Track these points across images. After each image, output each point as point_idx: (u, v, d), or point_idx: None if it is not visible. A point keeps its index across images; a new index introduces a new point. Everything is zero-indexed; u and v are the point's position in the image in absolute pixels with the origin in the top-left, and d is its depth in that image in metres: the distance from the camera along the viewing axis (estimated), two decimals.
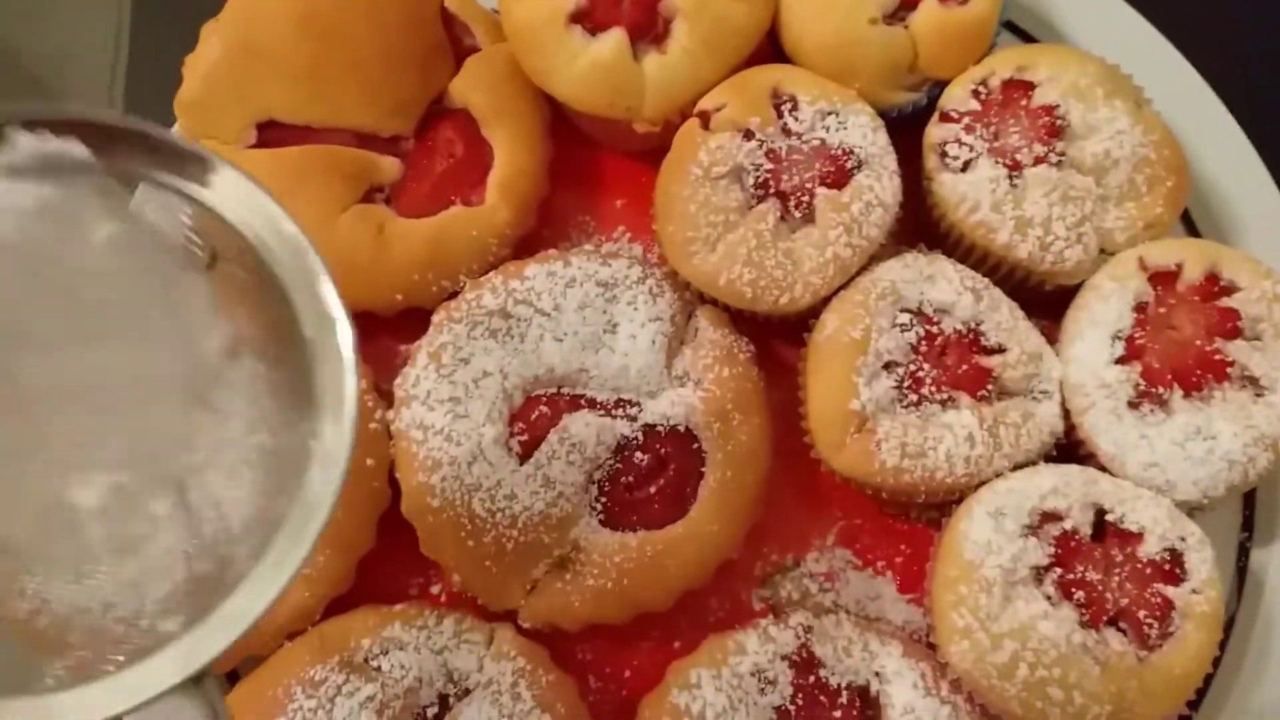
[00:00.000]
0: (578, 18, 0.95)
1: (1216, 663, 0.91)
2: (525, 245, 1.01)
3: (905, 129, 0.96)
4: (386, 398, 0.95)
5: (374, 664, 0.86)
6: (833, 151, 0.92)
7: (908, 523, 0.96)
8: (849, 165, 0.92)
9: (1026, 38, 1.04)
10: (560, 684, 0.87)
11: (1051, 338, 0.91)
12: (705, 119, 0.93)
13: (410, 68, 0.99)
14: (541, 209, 1.03)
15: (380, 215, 0.97)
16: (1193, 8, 1.06)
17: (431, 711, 0.85)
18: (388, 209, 0.98)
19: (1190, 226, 0.99)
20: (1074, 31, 1.05)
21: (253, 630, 0.58)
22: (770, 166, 0.92)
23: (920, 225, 0.97)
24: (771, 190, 0.92)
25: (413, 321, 0.98)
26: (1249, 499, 0.96)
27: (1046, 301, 0.93)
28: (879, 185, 0.91)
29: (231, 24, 0.98)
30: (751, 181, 0.92)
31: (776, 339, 0.99)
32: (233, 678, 0.90)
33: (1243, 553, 0.95)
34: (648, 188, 0.98)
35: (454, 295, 0.97)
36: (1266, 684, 0.90)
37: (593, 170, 1.08)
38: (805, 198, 0.91)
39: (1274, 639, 0.91)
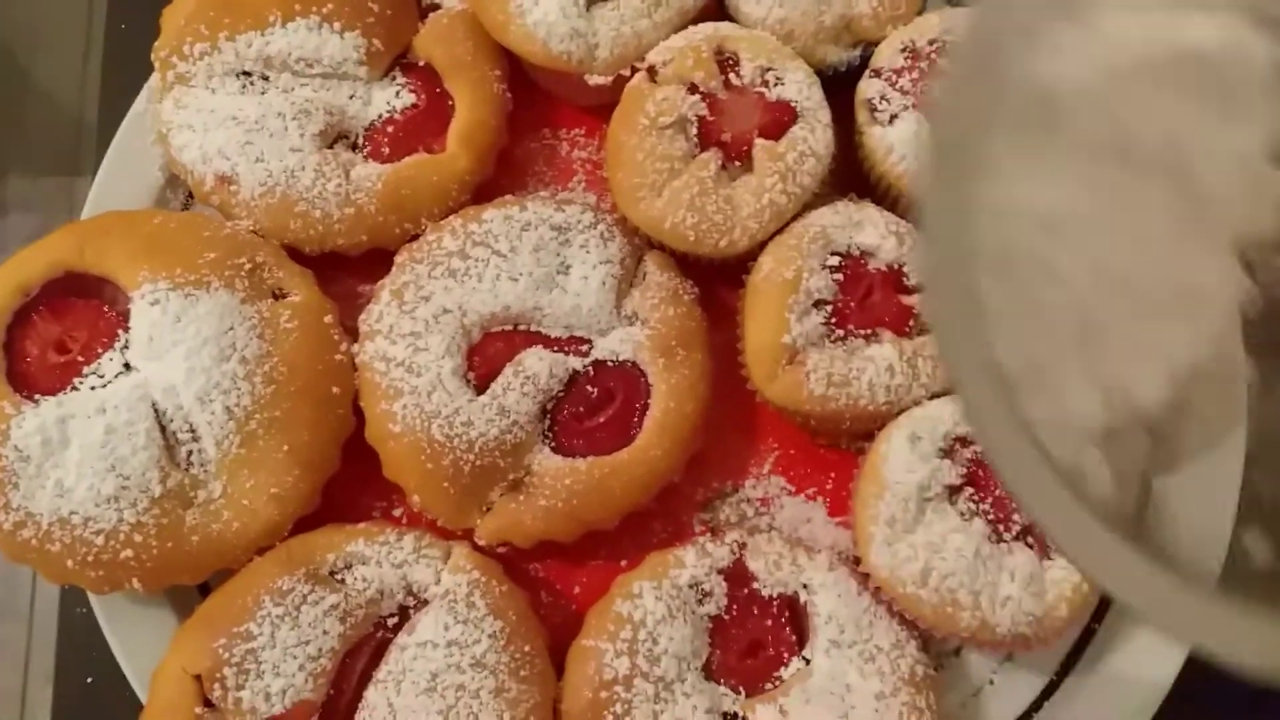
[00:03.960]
0: None
1: None
2: (484, 192, 1.07)
3: (840, 88, 1.03)
4: (352, 333, 1.01)
5: (338, 576, 0.92)
6: (771, 104, 0.98)
7: (837, 452, 1.04)
8: (786, 118, 0.98)
9: (954, 2, 1.12)
10: (512, 594, 0.94)
11: None
12: (653, 73, 1.00)
13: (378, 23, 1.05)
14: (500, 159, 1.09)
15: (347, 159, 1.03)
16: None
17: (392, 621, 0.92)
18: (355, 154, 1.04)
19: None
20: None
21: None
22: (713, 118, 0.99)
23: (853, 177, 1.04)
24: (713, 140, 0.98)
25: (377, 263, 1.04)
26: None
27: None
28: (813, 137, 0.98)
29: None
30: (695, 132, 0.98)
31: (719, 283, 1.06)
32: (204, 590, 0.96)
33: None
34: (601, 139, 1.04)
35: (416, 237, 1.03)
36: None
37: (550, 122, 1.14)
38: (744, 148, 0.98)
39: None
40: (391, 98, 1.06)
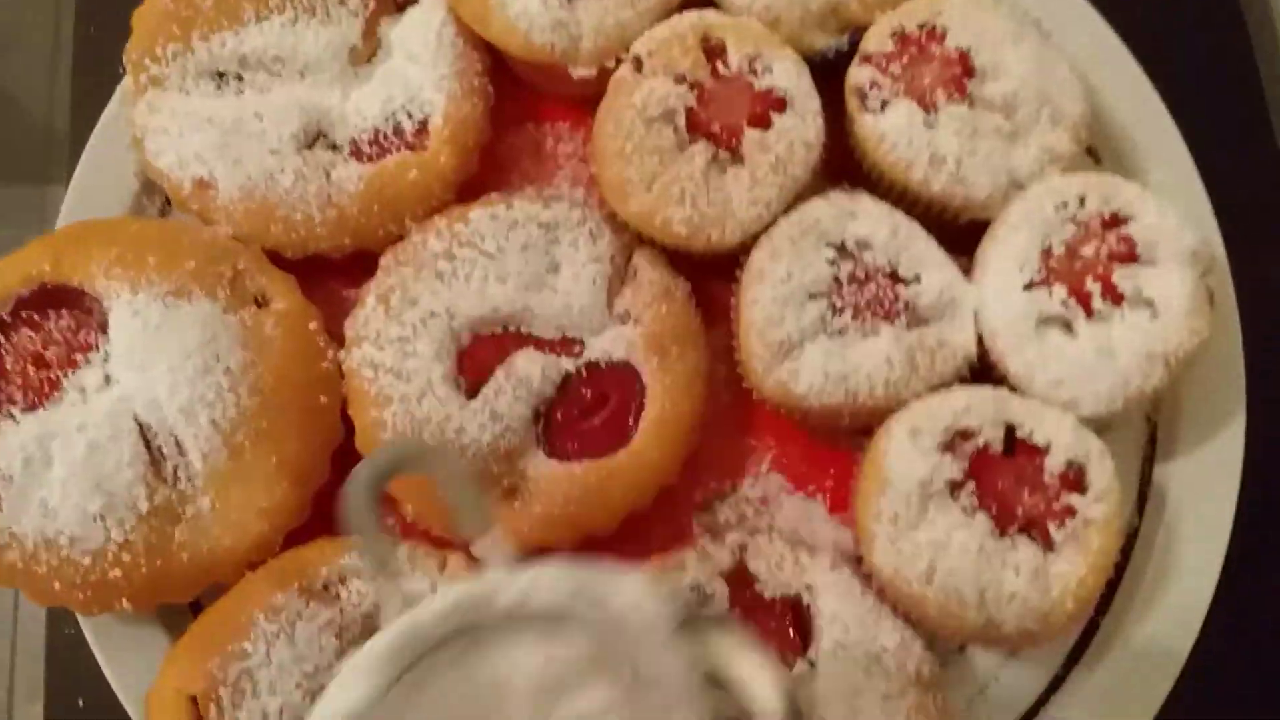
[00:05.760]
0: None
1: (1122, 571, 0.98)
2: (469, 191, 1.04)
3: (830, 75, 1.00)
4: (338, 339, 0.99)
5: (332, 591, 0.91)
6: (759, 94, 0.96)
7: (836, 448, 1.02)
8: (775, 107, 0.96)
9: None
10: None
11: (970, 274, 0.97)
12: (638, 64, 0.98)
13: (354, 18, 1.02)
14: (484, 155, 1.07)
15: (327, 159, 1.00)
16: None
17: None
18: (335, 154, 1.02)
19: (1092, 155, 1.05)
20: None
21: None
22: (700, 109, 0.96)
23: (845, 167, 1.02)
24: (702, 132, 0.96)
25: (362, 266, 1.01)
26: (1151, 422, 1.03)
27: (965, 238, 0.99)
28: (803, 126, 0.96)
29: None
30: (683, 123, 0.96)
31: (711, 279, 1.04)
32: (196, 608, 0.94)
33: (1146, 473, 1.02)
34: (587, 131, 1.02)
35: (401, 239, 1.01)
36: (1168, 589, 0.97)
37: (534, 115, 1.11)
38: (734, 138, 0.96)
39: (1174, 549, 0.98)
40: (369, 95, 1.04)
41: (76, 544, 0.88)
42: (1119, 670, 0.94)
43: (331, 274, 1.04)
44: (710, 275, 1.03)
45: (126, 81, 1.03)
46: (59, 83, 1.24)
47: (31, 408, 0.91)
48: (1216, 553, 0.96)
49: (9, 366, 0.93)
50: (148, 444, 0.91)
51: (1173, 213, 0.92)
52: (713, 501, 1.02)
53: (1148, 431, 1.02)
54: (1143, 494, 1.00)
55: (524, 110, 1.11)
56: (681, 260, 1.02)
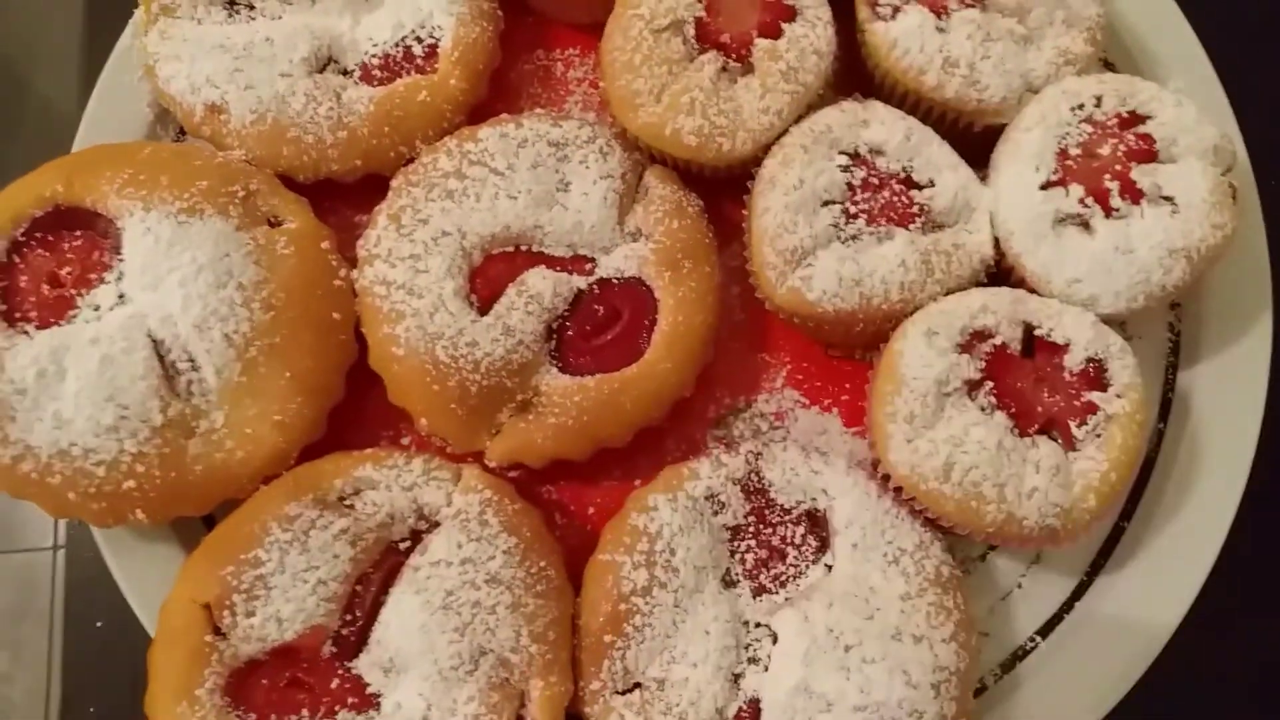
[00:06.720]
0: None
1: (1147, 477, 0.96)
2: (479, 115, 1.04)
3: None
4: (351, 262, 0.99)
5: (347, 502, 0.90)
6: (769, 3, 0.96)
7: (851, 363, 1.01)
8: (785, 16, 0.96)
9: None
10: (525, 512, 0.91)
11: (986, 179, 0.96)
12: None
13: None
14: (494, 81, 1.07)
15: (338, 83, 1.01)
16: None
17: (404, 545, 0.89)
18: (346, 78, 1.02)
19: (1109, 66, 1.04)
20: None
21: None
22: (710, 19, 0.96)
23: (857, 82, 1.02)
24: (712, 41, 0.95)
25: (373, 191, 1.01)
26: (1175, 329, 1.01)
27: (979, 148, 0.98)
28: (813, 34, 0.95)
29: None
30: (692, 34, 0.96)
31: (723, 197, 1.03)
32: (210, 524, 0.94)
33: (1170, 380, 1.00)
34: (597, 58, 1.02)
35: (411, 161, 1.01)
36: (1194, 494, 0.95)
37: (544, 43, 1.11)
38: (744, 48, 0.95)
39: (1200, 453, 0.96)
40: (379, 21, 1.04)
41: (90, 455, 0.88)
42: (1146, 573, 0.93)
43: (344, 199, 1.04)
44: (722, 193, 1.03)
45: (138, 13, 1.04)
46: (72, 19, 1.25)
47: (46, 324, 0.92)
48: (1244, 456, 0.94)
49: (23, 285, 0.93)
50: (161, 358, 0.91)
51: (1192, 109, 0.91)
52: (727, 417, 1.01)
53: (1171, 338, 1.01)
54: (1166, 400, 0.98)
55: (534, 37, 1.11)
56: (693, 180, 1.01)
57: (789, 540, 0.89)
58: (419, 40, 1.04)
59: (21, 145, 1.42)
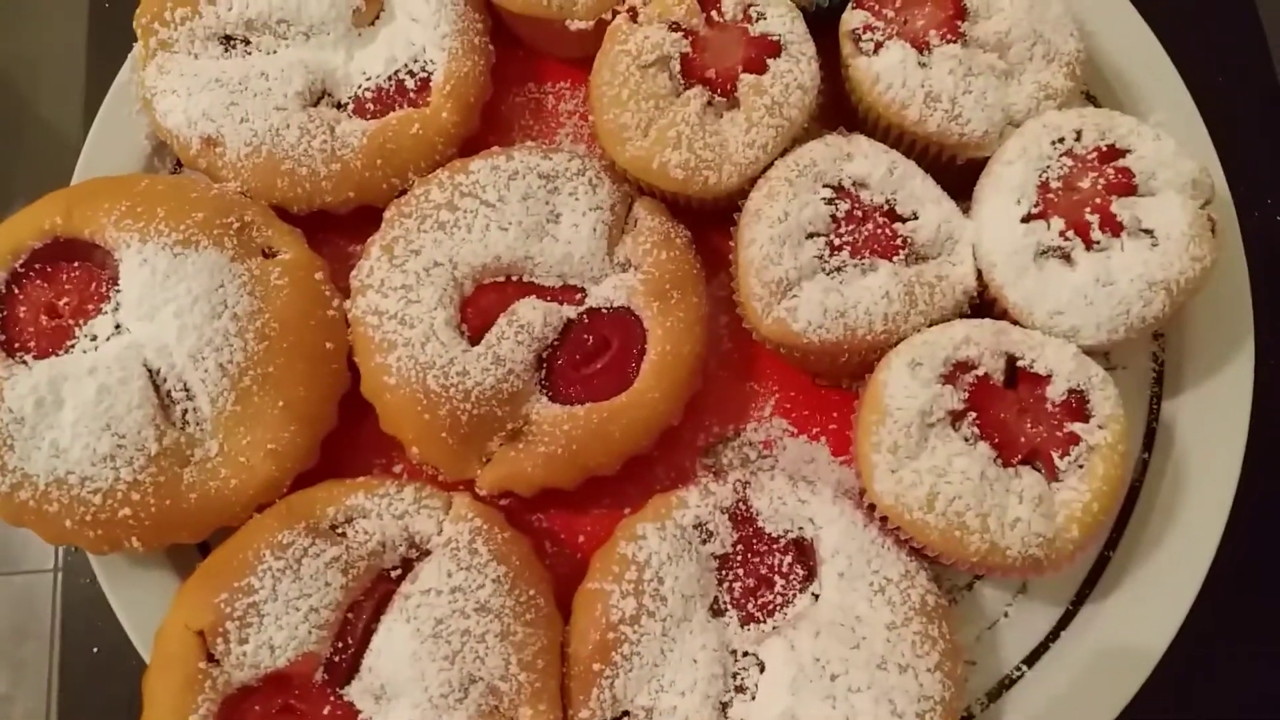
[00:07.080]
0: None
1: (1131, 506, 0.97)
2: (471, 147, 1.06)
3: (825, 27, 1.01)
4: (344, 292, 1.00)
5: (339, 530, 0.91)
6: (754, 39, 0.97)
7: (838, 392, 1.02)
8: (769, 52, 0.97)
9: None
10: (515, 540, 0.93)
11: (968, 212, 0.97)
12: (634, 13, 0.99)
13: None
14: (486, 114, 1.08)
15: (331, 116, 1.02)
16: None
17: (395, 573, 0.91)
18: (339, 111, 1.04)
19: (1091, 99, 1.05)
20: None
21: None
22: (695, 55, 0.98)
23: (841, 117, 1.03)
24: (697, 77, 0.97)
25: (367, 222, 1.03)
26: (1158, 360, 1.02)
27: (962, 182, 0.99)
28: (797, 69, 0.97)
29: None
30: (678, 69, 0.97)
31: (710, 228, 1.05)
32: (204, 550, 0.95)
33: (1154, 409, 1.01)
34: (587, 92, 1.03)
35: (404, 193, 1.02)
36: (1178, 523, 0.96)
37: (535, 76, 1.13)
38: (729, 83, 0.97)
39: (1184, 483, 0.97)
40: (372, 55, 1.06)
41: (87, 483, 0.89)
42: (1131, 603, 0.93)
43: (337, 230, 1.06)
44: (709, 224, 1.04)
45: (137, 47, 1.06)
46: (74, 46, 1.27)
47: (43, 355, 0.93)
48: (1228, 485, 0.95)
49: (22, 315, 0.95)
50: (156, 388, 0.93)
51: (1170, 143, 0.92)
52: (716, 445, 1.02)
53: (1155, 369, 1.02)
54: (1151, 429, 1.00)
55: (526, 71, 1.13)
56: (682, 211, 1.03)
57: (776, 569, 0.90)
58: (411, 74, 1.06)
59: (26, 172, 1.44)
